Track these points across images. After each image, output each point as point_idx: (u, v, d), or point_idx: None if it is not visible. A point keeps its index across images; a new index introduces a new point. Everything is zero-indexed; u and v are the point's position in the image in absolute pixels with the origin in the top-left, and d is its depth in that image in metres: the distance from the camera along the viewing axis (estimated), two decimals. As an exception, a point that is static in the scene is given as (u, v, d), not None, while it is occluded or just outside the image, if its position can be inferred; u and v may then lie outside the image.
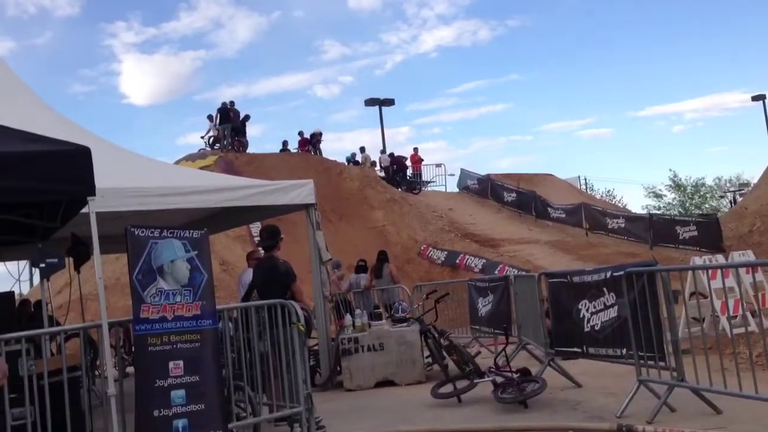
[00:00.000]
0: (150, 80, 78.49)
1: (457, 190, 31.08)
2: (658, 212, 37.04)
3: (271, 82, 77.84)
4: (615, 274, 6.27)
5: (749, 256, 10.22)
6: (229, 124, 26.00)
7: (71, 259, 7.06)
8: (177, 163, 23.16)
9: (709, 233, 19.49)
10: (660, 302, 5.85)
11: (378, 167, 29.46)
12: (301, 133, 28.61)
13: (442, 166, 32.20)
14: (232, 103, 26.78)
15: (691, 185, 46.97)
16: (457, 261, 21.11)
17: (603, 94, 78.00)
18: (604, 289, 6.38)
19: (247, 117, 27.28)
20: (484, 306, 10.83)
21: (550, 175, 34.12)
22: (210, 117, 26.67)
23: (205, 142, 26.57)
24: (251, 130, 27.99)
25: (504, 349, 7.36)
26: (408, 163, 30.23)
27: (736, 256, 10.15)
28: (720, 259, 10.15)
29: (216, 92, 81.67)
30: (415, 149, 31.35)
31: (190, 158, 25.30)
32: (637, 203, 76.18)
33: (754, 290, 7.83)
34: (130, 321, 5.01)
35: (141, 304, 4.83)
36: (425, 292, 11.77)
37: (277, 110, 76.06)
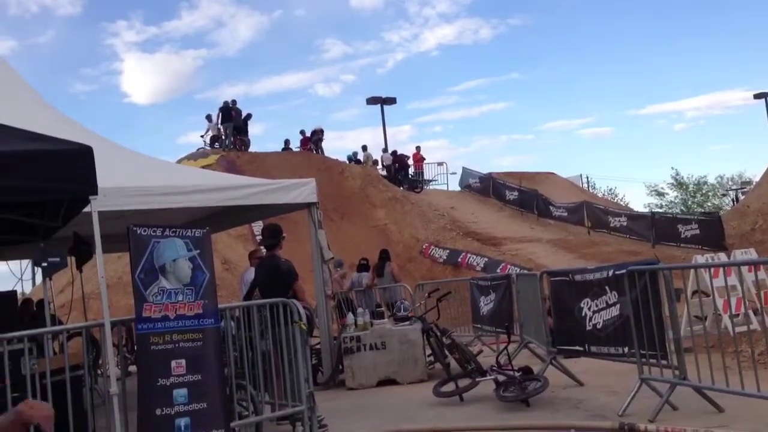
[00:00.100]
0: (151, 79, 78.61)
1: (458, 188, 31.07)
2: (660, 210, 37.00)
3: (272, 81, 77.90)
4: (617, 272, 6.26)
5: (751, 254, 10.20)
6: (231, 123, 26.02)
7: (73, 259, 7.07)
8: (179, 162, 23.18)
9: (711, 231, 19.45)
10: (662, 301, 5.85)
11: (380, 166, 29.46)
12: (302, 132, 28.64)
13: (444, 164, 32.26)
14: (234, 102, 26.80)
15: (693, 183, 46.96)
16: (459, 259, 21.11)
17: (604, 93, 77.98)
18: (606, 287, 6.37)
19: (248, 116, 27.30)
20: (486, 304, 10.83)
21: (552, 173, 34.10)
22: (208, 117, 26.68)
23: (204, 142, 26.58)
24: (253, 129, 28.04)
25: (506, 348, 7.36)
26: (410, 161, 30.24)
27: (739, 255, 10.14)
28: (722, 257, 10.14)
29: (217, 91, 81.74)
30: (418, 148, 31.41)
31: (192, 157, 25.32)
32: (639, 202, 76.00)
33: (757, 288, 7.84)
34: (133, 320, 5.01)
35: (143, 303, 4.84)
36: (427, 291, 11.78)
37: (278, 109, 76.15)
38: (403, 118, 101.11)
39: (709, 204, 45.39)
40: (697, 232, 19.89)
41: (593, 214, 23.92)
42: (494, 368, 7.13)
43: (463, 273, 18.99)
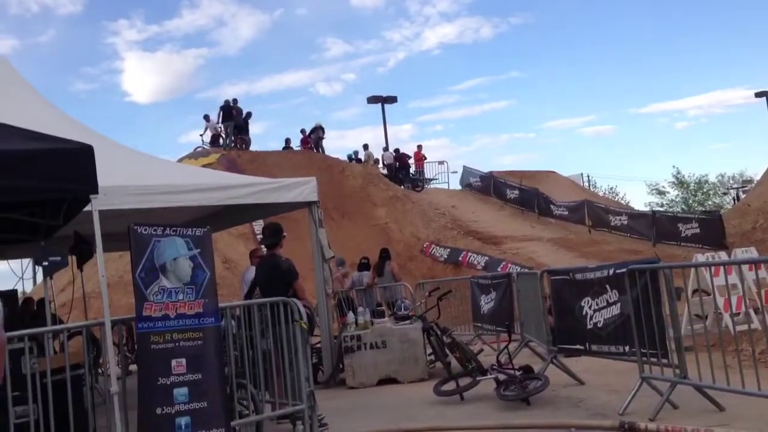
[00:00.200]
0: (152, 78, 78.64)
1: (459, 187, 31.06)
2: (661, 209, 36.99)
3: (273, 80, 77.93)
4: (618, 271, 6.26)
5: (752, 253, 10.19)
6: (232, 122, 26.00)
7: (74, 258, 7.08)
8: (180, 161, 23.19)
9: (712, 230, 19.44)
10: (663, 299, 5.85)
11: (381, 165, 29.45)
12: (303, 131, 28.61)
13: (445, 163, 32.26)
14: (235, 101, 26.77)
15: (694, 182, 46.89)
16: (460, 258, 21.10)
17: (605, 91, 77.96)
18: (607, 286, 6.37)
19: (249, 114, 27.28)
20: (487, 303, 10.83)
21: (553, 172, 34.08)
22: (206, 117, 26.66)
23: (203, 141, 26.57)
24: (254, 128, 28.03)
25: (506, 347, 7.37)
26: (411, 160, 30.23)
27: (739, 253, 10.13)
28: (723, 256, 10.13)
29: (218, 90, 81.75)
30: (419, 147, 31.39)
31: (193, 156, 25.32)
32: (640, 200, 76.21)
33: (757, 287, 7.83)
34: (133, 319, 5.02)
35: (144, 302, 4.84)
36: (428, 290, 11.78)
37: (279, 108, 76.18)
38: (404, 117, 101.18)
39: (710, 203, 45.36)
40: (698, 230, 19.88)
41: (594, 212, 23.91)
42: (495, 367, 7.14)
43: (463, 272, 18.99)
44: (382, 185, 26.32)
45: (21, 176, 4.14)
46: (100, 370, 7.87)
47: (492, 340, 10.98)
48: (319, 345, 9.28)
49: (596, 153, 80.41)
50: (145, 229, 4.93)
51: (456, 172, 32.07)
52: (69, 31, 73.74)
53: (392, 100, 33.88)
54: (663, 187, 47.19)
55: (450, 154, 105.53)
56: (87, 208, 4.75)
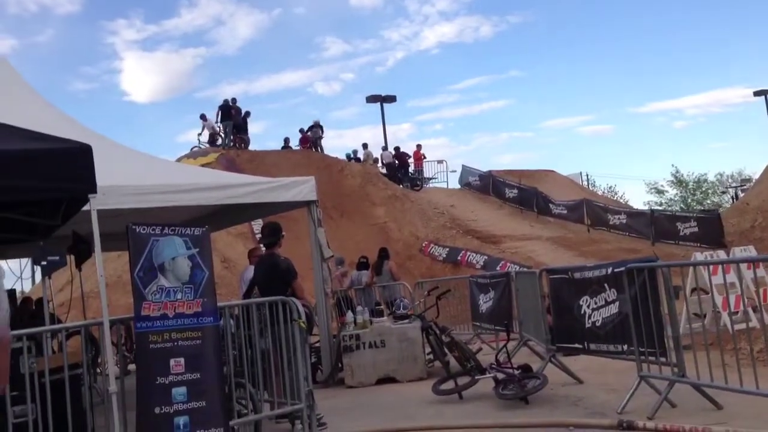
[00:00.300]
0: (151, 78, 78.64)
1: (458, 186, 31.06)
2: (660, 208, 37.00)
3: (272, 80, 77.91)
4: (616, 269, 6.27)
5: (750, 251, 10.20)
6: (231, 121, 25.99)
7: (72, 257, 7.07)
8: (179, 160, 23.18)
9: (711, 229, 19.46)
10: (661, 298, 5.85)
11: (380, 164, 29.45)
12: (302, 131, 28.60)
13: (444, 162, 32.26)
14: (234, 100, 26.74)
15: (692, 181, 46.89)
16: (459, 257, 21.11)
17: (604, 91, 77.97)
18: (605, 285, 6.38)
19: (247, 113, 27.26)
20: (486, 302, 10.84)
21: (552, 171, 34.10)
22: (203, 116, 26.64)
23: (200, 141, 26.53)
24: (253, 128, 28.00)
25: (505, 346, 7.36)
26: (410, 160, 30.22)
27: (738, 252, 10.14)
28: (721, 254, 10.14)
29: (217, 89, 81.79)
30: (418, 146, 31.39)
31: (192, 156, 25.31)
32: (639, 199, 76.29)
33: (756, 286, 7.82)
34: (132, 318, 5.02)
35: (142, 302, 4.84)
36: (426, 289, 11.79)
37: (278, 107, 76.17)
38: (403, 116, 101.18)
39: (708, 201, 45.36)
40: (697, 229, 19.91)
41: (593, 211, 23.93)
42: (493, 366, 7.14)
43: (462, 271, 18.99)
44: (381, 184, 26.32)
45: (19, 176, 4.13)
46: (98, 370, 7.88)
47: (491, 339, 11.00)
48: (317, 344, 9.28)
49: (595, 152, 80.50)
50: (144, 229, 4.93)
51: (455, 171, 32.13)
52: (67, 31, 73.80)
53: (391, 99, 33.87)
54: (662, 186, 47.23)
55: (449, 153, 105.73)
56: (85, 207, 4.75)
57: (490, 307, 10.64)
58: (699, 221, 20.32)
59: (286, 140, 28.23)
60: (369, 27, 77.43)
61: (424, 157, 30.94)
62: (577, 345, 6.95)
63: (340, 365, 9.08)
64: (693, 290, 8.26)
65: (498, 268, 17.90)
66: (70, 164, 4.36)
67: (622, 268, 6.13)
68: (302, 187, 8.57)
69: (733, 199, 41.08)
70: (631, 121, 76.26)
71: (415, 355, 8.86)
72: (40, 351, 5.13)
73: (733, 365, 5.22)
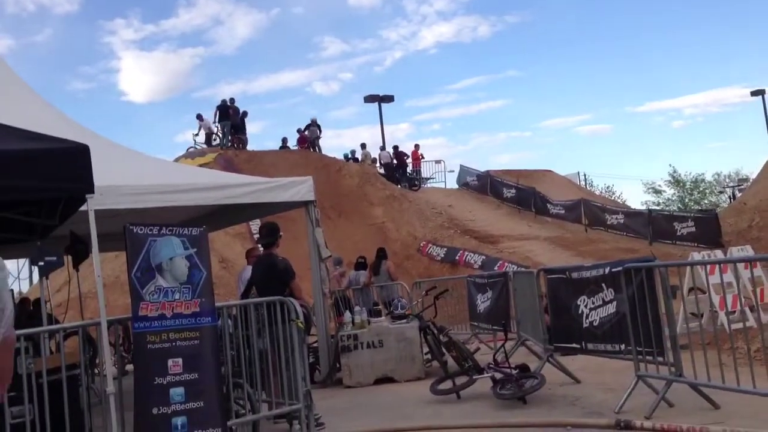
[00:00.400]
0: (149, 77, 78.56)
1: (456, 186, 31.09)
2: (657, 208, 37.04)
3: (270, 79, 77.84)
4: (614, 269, 6.27)
5: (748, 251, 10.22)
6: (229, 121, 25.98)
7: (70, 257, 7.07)
8: (176, 160, 23.17)
9: (708, 229, 19.49)
10: (658, 298, 5.86)
11: (378, 164, 29.45)
12: (299, 131, 28.61)
13: (442, 162, 32.29)
14: (232, 100, 26.75)
15: (690, 181, 46.97)
16: (457, 257, 21.12)
17: (601, 90, 78.09)
18: (603, 284, 6.38)
19: (245, 113, 27.26)
20: (483, 302, 10.85)
21: (550, 171, 34.13)
22: (199, 116, 26.62)
23: (195, 141, 26.50)
24: (251, 128, 27.95)
25: (503, 346, 7.37)
26: (408, 159, 30.23)
27: (735, 252, 10.16)
28: (719, 254, 10.16)
29: (215, 89, 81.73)
30: (416, 146, 31.41)
31: (190, 156, 25.31)
32: (637, 199, 76.25)
33: (753, 285, 7.85)
34: (129, 319, 5.01)
35: (140, 302, 4.84)
36: (424, 289, 11.78)
37: (276, 107, 76.14)
38: (401, 116, 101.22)
39: (706, 201, 45.44)
40: (694, 229, 19.94)
41: (590, 211, 23.95)
42: (491, 366, 7.15)
43: (460, 271, 19.00)
44: (379, 184, 26.33)
45: (17, 176, 4.13)
46: (96, 370, 7.88)
47: (488, 338, 11.00)
48: (315, 344, 9.28)
49: (593, 152, 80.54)
50: (141, 229, 4.93)
51: (453, 171, 32.16)
52: (65, 31, 73.68)
53: (389, 99, 33.90)
54: (659, 185, 47.30)
55: (447, 153, 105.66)
56: (83, 207, 4.74)
57: (488, 306, 10.65)
58: (696, 221, 20.36)
59: (284, 140, 28.25)
60: (367, 27, 77.49)
61: (422, 157, 30.98)
62: (574, 345, 6.95)
63: (338, 365, 9.08)
64: (690, 290, 8.27)
65: (496, 268, 17.92)
66: (68, 164, 4.36)
67: (620, 268, 6.14)
68: (300, 187, 8.57)
69: (730, 198, 41.12)
70: (629, 120, 76.44)
71: (413, 355, 8.86)
72: (37, 351, 5.13)
73: (730, 365, 5.23)
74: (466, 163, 31.81)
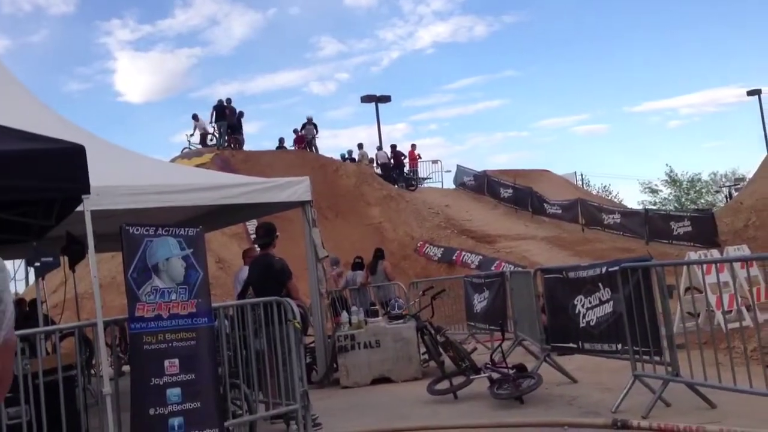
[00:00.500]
0: (145, 78, 78.37)
1: (453, 186, 31.09)
2: (654, 208, 37.11)
3: (266, 80, 77.71)
4: (610, 269, 6.28)
5: (744, 250, 10.25)
6: (225, 121, 25.96)
7: (66, 258, 7.05)
8: (173, 160, 23.14)
9: (704, 228, 19.53)
10: (655, 297, 5.87)
11: (375, 164, 29.44)
12: (296, 131, 28.59)
13: (439, 162, 32.31)
14: (228, 100, 26.72)
15: (686, 180, 47.06)
16: (454, 257, 21.13)
17: (598, 90, 78.13)
18: (600, 284, 6.39)
19: (241, 113, 27.24)
20: (480, 302, 10.85)
21: (547, 171, 34.15)
22: (195, 116, 26.58)
23: (189, 142, 26.45)
24: (247, 128, 27.95)
25: (500, 345, 7.37)
26: (405, 159, 30.23)
27: (731, 251, 10.18)
28: (715, 253, 10.18)
29: (211, 89, 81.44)
30: (413, 146, 31.38)
31: (186, 156, 25.26)
32: (633, 199, 76.54)
33: (749, 285, 7.87)
34: (126, 319, 5.01)
35: (136, 303, 4.83)
36: (421, 289, 11.77)
37: (272, 107, 76.05)
38: (398, 116, 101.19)
39: (702, 201, 45.53)
40: (690, 229, 19.98)
41: (587, 211, 23.98)
42: (488, 366, 7.15)
43: (457, 271, 19.00)
44: (376, 184, 26.33)
45: (12, 176, 4.12)
46: (92, 371, 7.86)
47: (485, 338, 10.99)
48: (312, 344, 9.27)
49: (590, 152, 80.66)
50: (137, 229, 4.92)
51: (450, 171, 32.16)
52: (62, 31, 73.39)
53: (386, 99, 33.90)
54: (656, 185, 47.39)
55: (444, 153, 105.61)
56: (79, 208, 4.74)
57: (485, 306, 10.65)
58: (693, 220, 20.40)
59: (281, 140, 28.23)
60: (364, 27, 77.46)
61: (419, 157, 30.97)
62: (571, 344, 6.96)
63: (335, 365, 9.07)
64: (687, 289, 8.29)
65: (493, 268, 17.92)
66: (64, 165, 4.36)
67: (617, 268, 6.15)
68: (297, 188, 8.56)
69: (726, 198, 41.17)
70: (626, 120, 76.48)
71: (410, 355, 8.87)
72: (34, 352, 5.12)
73: (726, 364, 5.24)
74: (463, 163, 31.87)
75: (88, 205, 4.62)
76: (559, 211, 25.10)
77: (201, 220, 8.50)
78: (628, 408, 5.74)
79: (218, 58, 73.06)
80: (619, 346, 6.18)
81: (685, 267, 7.87)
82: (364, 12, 74.03)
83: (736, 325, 7.43)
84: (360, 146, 29.90)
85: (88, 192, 4.47)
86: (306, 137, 28.19)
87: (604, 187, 47.27)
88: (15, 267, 8.58)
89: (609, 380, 6.99)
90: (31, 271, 7.59)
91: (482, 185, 28.90)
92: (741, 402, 5.32)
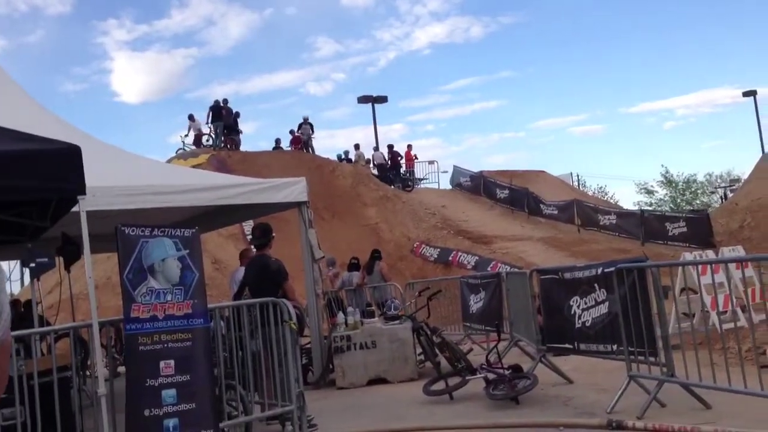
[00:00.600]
0: (142, 78, 78.21)
1: (449, 187, 31.09)
2: (650, 208, 37.18)
3: (263, 80, 77.63)
4: (606, 270, 6.29)
5: (739, 251, 10.28)
6: (222, 122, 25.93)
7: (61, 259, 7.04)
8: (169, 161, 23.09)
9: (700, 229, 19.59)
10: (650, 298, 5.88)
11: (371, 165, 29.44)
12: (293, 131, 28.57)
13: (435, 163, 32.32)
14: (225, 101, 26.68)
15: (682, 181, 47.17)
16: (450, 258, 21.14)
17: (595, 91, 78.18)
18: (595, 285, 6.40)
19: (237, 114, 27.20)
20: (476, 303, 10.86)
21: (543, 171, 34.18)
22: (191, 116, 26.53)
23: (183, 142, 26.41)
24: (244, 128, 27.91)
25: (496, 346, 7.38)
26: (402, 160, 30.24)
27: (726, 252, 10.21)
28: (710, 254, 10.21)
29: (208, 90, 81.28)
30: (409, 146, 31.37)
31: (183, 156, 25.21)
32: (629, 200, 76.56)
33: (744, 286, 7.89)
34: (121, 320, 5.00)
35: (132, 304, 4.82)
36: (418, 290, 11.80)
37: (269, 108, 75.94)
38: (394, 116, 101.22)
39: (698, 202, 45.62)
40: (686, 229, 20.03)
41: (583, 212, 24.02)
42: (484, 366, 7.15)
43: (454, 272, 19.02)
44: (373, 185, 26.33)
45: (7, 176, 4.11)
46: (87, 372, 7.84)
47: (481, 339, 11.01)
48: (308, 345, 9.27)
49: (586, 152, 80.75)
50: (133, 230, 4.91)
51: (446, 171, 32.21)
52: (58, 31, 73.23)
53: (383, 99, 33.89)
54: (651, 186, 47.47)
55: (440, 154, 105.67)
56: (74, 208, 4.73)
57: (481, 307, 10.66)
58: (688, 221, 20.45)
59: (278, 141, 28.20)
60: (361, 27, 77.47)
61: (416, 158, 30.98)
62: (567, 345, 6.97)
63: (331, 366, 9.07)
64: (682, 290, 8.31)
65: (489, 269, 17.94)
66: (59, 165, 4.35)
67: (612, 269, 6.16)
68: (293, 188, 8.56)
69: (722, 199, 41.31)
70: (622, 121, 76.57)
71: (406, 355, 8.87)
72: (28, 353, 5.11)
73: (721, 364, 5.25)
74: (460, 163, 31.91)
75: (84, 205, 4.61)
76: (555, 212, 25.14)
77: (197, 221, 8.50)
78: (624, 408, 5.75)
79: (215, 59, 73.02)
80: (615, 347, 6.20)
81: (680, 268, 7.89)
82: (360, 12, 74.07)
83: (731, 325, 7.44)
84: (357, 147, 29.90)
85: (83, 192, 4.46)
86: (302, 138, 28.16)
87: (600, 188, 47.42)
88: (10, 268, 8.55)
89: (604, 381, 7.00)
90: (27, 271, 7.57)
91: (479, 186, 28.91)
92: (736, 402, 5.34)
